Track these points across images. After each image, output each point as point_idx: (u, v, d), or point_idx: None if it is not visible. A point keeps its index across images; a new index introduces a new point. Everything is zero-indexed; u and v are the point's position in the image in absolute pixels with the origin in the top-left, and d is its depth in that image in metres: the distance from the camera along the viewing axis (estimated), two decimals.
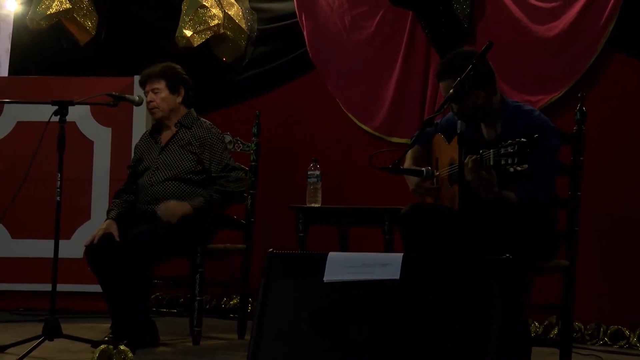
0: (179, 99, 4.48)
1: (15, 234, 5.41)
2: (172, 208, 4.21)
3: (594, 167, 4.18)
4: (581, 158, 3.64)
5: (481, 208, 3.26)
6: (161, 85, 4.44)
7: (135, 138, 5.02)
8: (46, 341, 3.77)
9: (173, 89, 4.46)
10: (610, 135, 4.45)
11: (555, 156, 3.43)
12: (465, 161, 3.16)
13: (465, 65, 3.19)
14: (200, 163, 4.36)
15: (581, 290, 3.80)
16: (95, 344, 3.78)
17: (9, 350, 3.85)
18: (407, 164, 3.73)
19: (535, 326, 4.47)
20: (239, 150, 4.76)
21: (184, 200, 4.30)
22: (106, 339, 3.97)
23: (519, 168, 3.02)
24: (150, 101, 4.44)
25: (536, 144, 3.00)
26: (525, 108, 3.50)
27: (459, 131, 3.09)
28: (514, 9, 4.66)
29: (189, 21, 5.45)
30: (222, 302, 5.47)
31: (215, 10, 5.46)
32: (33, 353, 3.68)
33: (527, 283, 3.33)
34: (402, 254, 2.55)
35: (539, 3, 4.61)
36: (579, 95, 3.72)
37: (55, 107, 3.95)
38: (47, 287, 3.93)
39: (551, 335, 4.41)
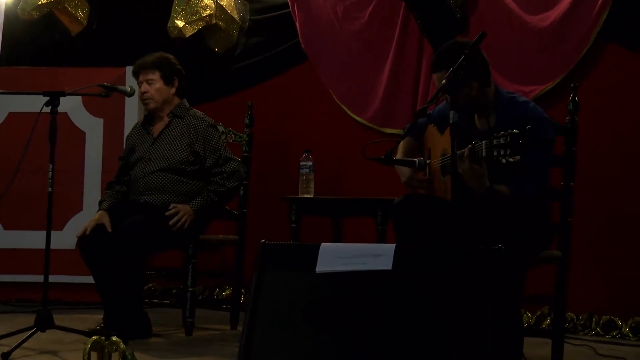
0: (173, 90, 4.47)
1: (8, 225, 5.40)
2: (183, 219, 4.21)
3: (587, 158, 4.18)
4: (574, 149, 3.64)
5: (474, 199, 3.26)
6: (155, 76, 4.42)
7: (127, 129, 5.00)
8: (38, 332, 3.77)
9: (167, 80, 4.44)
10: (604, 125, 4.45)
11: (550, 148, 3.42)
12: (461, 151, 3.16)
13: (458, 56, 3.18)
14: (193, 154, 4.35)
15: (574, 281, 3.81)
16: (87, 335, 3.77)
17: (2, 341, 3.83)
18: (399, 156, 3.72)
19: (528, 317, 4.49)
20: (231, 141, 4.75)
21: (175, 190, 4.30)
22: (98, 329, 3.99)
23: (511, 159, 3.02)
24: (144, 92, 4.42)
25: (528, 135, 3.00)
26: (519, 99, 3.50)
27: (451, 122, 3.09)
28: None
29: (181, 11, 5.43)
30: (214, 293, 5.47)
31: (207, 1, 5.44)
32: (25, 344, 3.68)
33: (521, 274, 3.33)
34: (394, 245, 2.55)
35: None
36: (572, 85, 3.73)
37: (47, 98, 3.94)
38: (40, 278, 3.93)
39: (543, 326, 4.43)
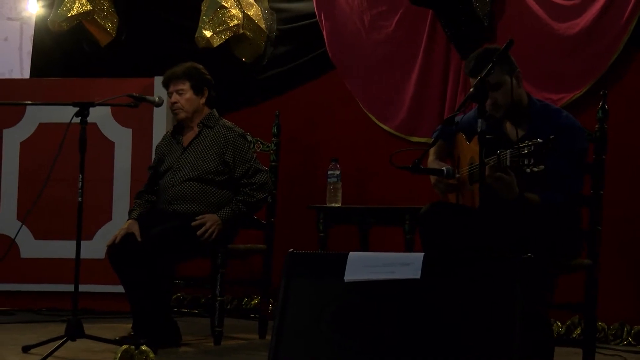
0: (203, 100, 4.49)
1: (38, 235, 5.44)
2: (211, 229, 4.23)
3: (617, 166, 4.15)
4: (603, 157, 3.61)
5: (502, 207, 3.25)
6: (185, 86, 4.45)
7: (156, 139, 5.03)
8: (69, 341, 3.80)
9: (197, 90, 4.46)
10: (633, 133, 4.42)
11: (580, 158, 3.40)
12: (488, 162, 3.15)
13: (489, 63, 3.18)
14: (223, 164, 4.36)
15: (605, 290, 3.77)
16: (117, 344, 3.79)
17: (33, 350, 3.88)
18: (431, 159, 3.72)
19: (558, 326, 4.45)
20: (259, 150, 4.76)
21: (204, 200, 4.32)
22: (128, 336, 4.01)
23: (535, 169, 3.01)
24: (175, 102, 4.45)
25: (552, 144, 2.99)
26: (552, 108, 3.49)
27: (479, 130, 3.08)
28: (535, 7, 4.63)
29: (209, 22, 5.46)
30: (243, 302, 5.48)
31: (234, 11, 5.47)
32: (56, 353, 3.71)
33: (550, 282, 3.31)
34: (423, 254, 2.54)
35: (560, 1, 4.58)
36: (601, 93, 3.70)
37: (77, 109, 3.97)
38: (70, 287, 3.95)
39: (574, 335, 4.39)
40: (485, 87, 3.17)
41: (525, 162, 3.02)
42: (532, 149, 3.01)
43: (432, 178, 3.64)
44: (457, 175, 3.55)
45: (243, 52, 5.63)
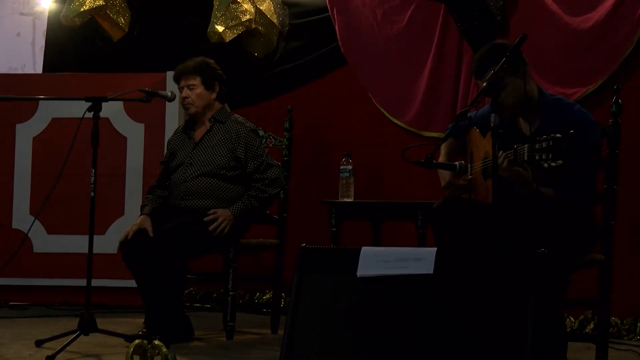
0: (214, 95, 4.49)
1: (51, 229, 5.45)
2: (223, 224, 4.23)
3: (630, 160, 4.12)
4: (617, 151, 3.59)
5: (515, 202, 3.24)
6: (196, 81, 4.45)
7: (168, 134, 5.04)
8: (82, 336, 3.81)
9: (208, 85, 4.46)
10: None
11: (595, 153, 3.38)
12: (500, 160, 3.13)
13: (499, 59, 3.16)
14: (235, 159, 4.36)
15: (618, 285, 3.75)
16: (129, 338, 3.81)
17: (46, 344, 3.89)
18: (442, 157, 3.71)
19: (571, 321, 4.43)
20: (271, 145, 4.76)
21: (216, 195, 4.32)
22: (140, 333, 4.01)
23: (553, 164, 2.99)
24: (185, 97, 4.45)
25: (571, 139, 2.97)
26: (564, 102, 3.47)
27: (492, 125, 3.07)
28: (548, 0, 4.61)
29: (221, 17, 5.46)
30: (255, 297, 5.48)
31: (246, 6, 5.46)
32: (69, 347, 3.72)
33: (563, 278, 3.30)
34: (435, 249, 2.54)
35: None
36: (615, 87, 3.68)
37: (89, 104, 3.98)
38: (82, 282, 3.97)
39: (587, 330, 4.38)
40: (499, 82, 3.15)
41: (544, 156, 3.00)
42: (550, 143, 2.99)
43: (443, 180, 3.62)
44: (470, 177, 3.53)
45: (255, 47, 5.63)
